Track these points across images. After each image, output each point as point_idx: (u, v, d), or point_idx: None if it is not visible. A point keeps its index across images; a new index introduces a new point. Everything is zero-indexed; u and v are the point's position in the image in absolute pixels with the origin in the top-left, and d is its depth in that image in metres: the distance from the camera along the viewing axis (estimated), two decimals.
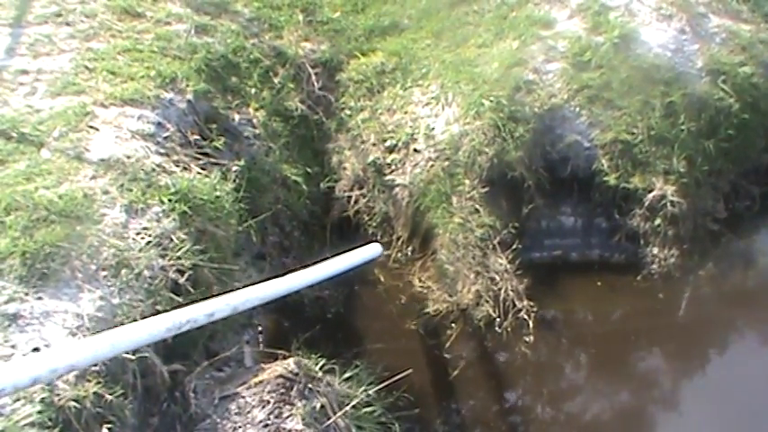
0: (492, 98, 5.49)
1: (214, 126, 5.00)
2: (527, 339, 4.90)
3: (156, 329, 3.14)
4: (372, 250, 4.70)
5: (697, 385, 5.01)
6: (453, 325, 5.11)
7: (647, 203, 5.48)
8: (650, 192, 5.48)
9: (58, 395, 2.91)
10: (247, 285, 3.75)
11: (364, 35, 6.36)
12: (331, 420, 3.50)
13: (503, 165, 5.36)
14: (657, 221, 5.49)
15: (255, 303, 3.69)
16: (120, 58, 5.06)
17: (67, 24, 5.39)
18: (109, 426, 3.00)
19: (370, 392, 3.77)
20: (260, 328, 4.71)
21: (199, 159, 4.59)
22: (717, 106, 5.77)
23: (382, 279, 5.52)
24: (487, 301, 4.98)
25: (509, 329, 4.89)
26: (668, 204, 5.44)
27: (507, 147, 5.34)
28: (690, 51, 5.97)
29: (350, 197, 5.67)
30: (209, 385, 3.59)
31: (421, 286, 5.36)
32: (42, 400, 2.86)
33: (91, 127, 4.37)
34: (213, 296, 3.52)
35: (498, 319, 4.92)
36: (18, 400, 2.83)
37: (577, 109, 5.62)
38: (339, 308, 5.26)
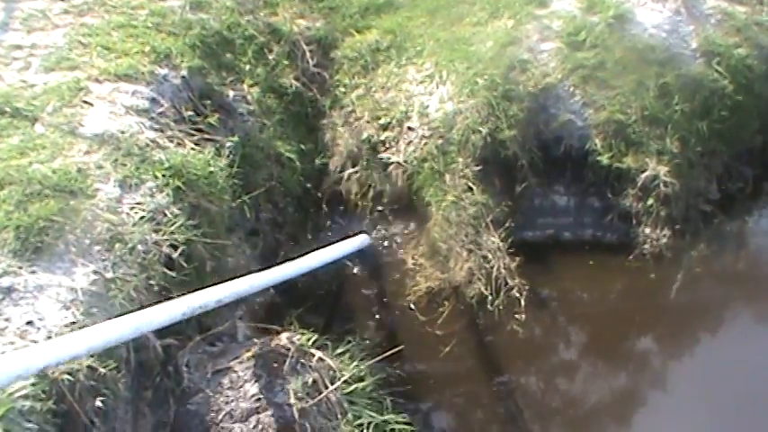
0: (486, 77, 5.49)
1: (208, 102, 4.99)
2: (518, 317, 4.90)
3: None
4: (361, 240, 5.24)
5: (688, 365, 5.03)
6: (445, 302, 5.12)
7: (639, 183, 5.48)
8: (643, 172, 5.47)
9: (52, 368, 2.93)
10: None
11: (359, 12, 6.33)
12: (323, 395, 3.53)
13: (496, 143, 5.36)
14: (650, 202, 5.49)
15: (249, 292, 3.88)
16: (114, 33, 5.04)
17: None
18: (102, 399, 3.01)
19: (362, 368, 3.80)
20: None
21: (193, 135, 4.58)
22: (711, 87, 5.78)
23: (375, 256, 5.54)
24: (480, 279, 4.99)
25: (501, 307, 4.88)
26: (661, 185, 5.44)
27: (501, 125, 5.35)
28: (684, 32, 5.96)
29: (343, 174, 5.67)
30: (201, 360, 3.62)
31: (414, 263, 5.39)
32: (36, 373, 2.87)
33: (85, 102, 4.36)
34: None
35: (490, 297, 4.92)
36: None
37: (571, 88, 5.62)
38: (332, 284, 5.28)
